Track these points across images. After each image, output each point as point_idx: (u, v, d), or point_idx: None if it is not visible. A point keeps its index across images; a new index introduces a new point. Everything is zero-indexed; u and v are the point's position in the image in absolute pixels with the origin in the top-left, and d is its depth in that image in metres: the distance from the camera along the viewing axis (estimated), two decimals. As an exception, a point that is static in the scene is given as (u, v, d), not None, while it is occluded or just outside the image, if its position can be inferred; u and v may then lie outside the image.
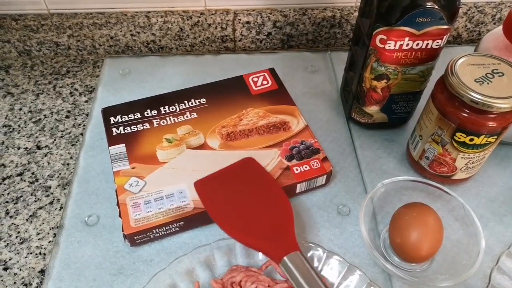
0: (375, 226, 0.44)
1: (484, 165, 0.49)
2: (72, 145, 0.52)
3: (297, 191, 0.46)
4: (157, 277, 0.38)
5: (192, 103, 0.52)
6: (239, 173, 0.43)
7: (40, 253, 0.43)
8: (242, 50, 0.66)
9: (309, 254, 0.40)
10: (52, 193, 0.47)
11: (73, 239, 0.43)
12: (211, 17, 0.61)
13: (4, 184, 0.48)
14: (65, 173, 0.49)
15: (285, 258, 0.36)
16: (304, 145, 0.47)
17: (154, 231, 0.41)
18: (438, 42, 0.42)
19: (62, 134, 0.53)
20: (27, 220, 0.45)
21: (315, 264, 0.39)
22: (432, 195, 0.44)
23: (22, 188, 0.48)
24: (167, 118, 0.50)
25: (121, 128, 0.49)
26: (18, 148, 0.52)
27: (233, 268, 0.39)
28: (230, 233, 0.38)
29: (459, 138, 0.41)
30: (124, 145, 0.47)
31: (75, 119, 0.55)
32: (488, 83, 0.39)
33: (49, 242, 0.43)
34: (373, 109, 0.50)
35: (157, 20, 0.61)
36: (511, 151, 0.51)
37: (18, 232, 0.44)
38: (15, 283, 0.41)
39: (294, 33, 0.64)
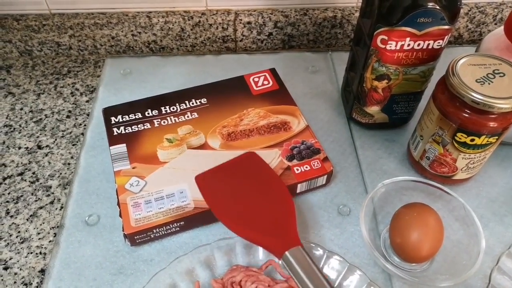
0: (375, 226, 0.44)
1: (485, 166, 0.49)
2: (73, 145, 0.52)
3: (298, 191, 0.46)
4: (157, 276, 0.38)
5: (193, 103, 0.52)
6: (241, 167, 0.43)
7: (40, 253, 0.43)
8: (243, 50, 0.66)
9: (309, 254, 0.40)
10: (53, 193, 0.47)
11: (73, 238, 0.43)
12: (212, 17, 0.61)
13: (5, 183, 0.48)
14: (65, 173, 0.49)
15: (286, 253, 0.35)
16: (304, 145, 0.47)
17: (154, 230, 0.41)
18: (439, 43, 0.42)
19: (63, 134, 0.53)
20: (27, 219, 0.45)
21: (316, 264, 0.39)
22: (432, 195, 0.44)
23: (23, 187, 0.48)
24: (168, 118, 0.50)
25: (122, 128, 0.49)
26: (19, 148, 0.52)
27: (233, 268, 0.39)
28: (231, 227, 0.38)
29: (460, 139, 0.41)
30: (124, 145, 0.47)
31: (76, 119, 0.55)
32: (489, 84, 0.39)
33: (50, 241, 0.43)
34: (374, 109, 0.50)
35: (158, 20, 0.61)
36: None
37: (19, 232, 0.44)
38: (15, 282, 0.41)
39: (295, 33, 0.64)
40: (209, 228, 0.44)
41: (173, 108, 0.51)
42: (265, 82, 0.54)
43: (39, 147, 0.52)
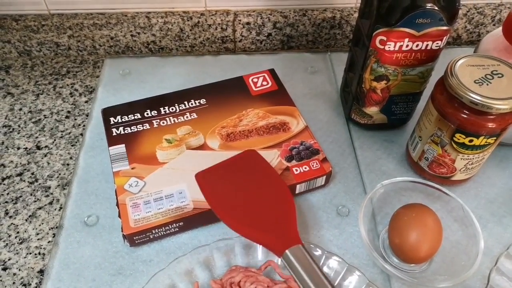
0: (374, 227, 0.44)
1: (484, 166, 0.49)
2: (72, 145, 0.52)
3: (297, 191, 0.46)
4: (156, 277, 0.38)
5: (192, 104, 0.52)
6: (241, 165, 0.42)
7: (39, 253, 0.43)
8: (242, 50, 0.66)
9: (308, 255, 0.40)
10: (52, 193, 0.47)
11: (72, 239, 0.43)
12: (211, 18, 0.61)
13: (4, 184, 0.48)
14: (64, 173, 0.49)
15: (287, 251, 0.35)
16: (303, 146, 0.47)
17: (153, 231, 0.41)
18: (437, 43, 0.42)
19: (62, 134, 0.53)
20: (26, 220, 0.45)
21: (314, 264, 0.39)
22: (431, 196, 0.44)
23: (22, 188, 0.48)
24: (167, 119, 0.50)
25: (121, 128, 0.49)
26: (18, 148, 0.52)
27: (232, 269, 0.39)
28: (231, 225, 0.38)
29: (458, 139, 0.41)
30: (124, 145, 0.47)
31: (75, 119, 0.55)
32: (487, 84, 0.39)
33: (49, 242, 0.43)
34: (372, 110, 0.50)
35: (157, 21, 0.61)
36: (510, 152, 0.51)
37: (18, 232, 0.44)
38: (14, 283, 0.41)
39: (294, 34, 0.64)
40: (208, 228, 0.44)
41: (172, 109, 0.51)
42: (264, 83, 0.54)
43: (38, 148, 0.52)
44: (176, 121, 0.50)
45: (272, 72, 0.56)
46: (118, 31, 0.62)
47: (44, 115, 0.56)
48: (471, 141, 0.40)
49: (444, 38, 0.42)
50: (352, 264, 0.39)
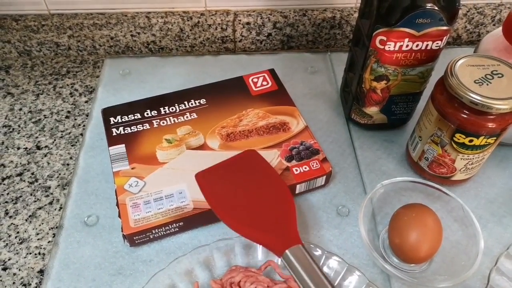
0: (374, 227, 0.44)
1: (483, 166, 0.49)
2: (72, 145, 0.52)
3: (297, 191, 0.46)
4: (156, 277, 0.38)
5: (192, 104, 0.52)
6: (241, 165, 0.42)
7: (39, 253, 0.43)
8: (242, 50, 0.66)
9: (308, 255, 0.40)
10: (52, 193, 0.47)
11: (72, 239, 0.43)
12: (211, 18, 0.61)
13: (4, 184, 0.48)
14: (64, 173, 0.49)
15: (287, 251, 0.35)
16: (303, 146, 0.47)
17: (153, 231, 0.41)
18: (437, 43, 0.42)
19: (62, 134, 0.53)
20: (26, 220, 0.45)
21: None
22: (431, 196, 0.44)
23: (22, 188, 0.48)
24: (167, 119, 0.50)
25: (121, 128, 0.49)
26: (18, 148, 0.52)
27: (232, 269, 0.39)
28: (231, 225, 0.38)
29: (458, 139, 0.41)
30: (124, 145, 0.47)
31: (75, 119, 0.55)
32: (487, 84, 0.39)
33: (49, 242, 0.43)
34: (372, 110, 0.50)
35: (157, 21, 0.61)
36: (510, 152, 0.51)
37: (18, 232, 0.44)
38: (14, 283, 0.41)
39: (294, 34, 0.64)
40: (208, 228, 0.44)
41: (172, 109, 0.51)
42: (264, 83, 0.54)
43: (38, 148, 0.52)
44: (176, 121, 0.50)
45: (272, 72, 0.56)
46: (118, 31, 0.62)
47: (44, 115, 0.56)
48: (471, 141, 0.40)
49: (444, 38, 0.42)
50: (352, 264, 0.39)
